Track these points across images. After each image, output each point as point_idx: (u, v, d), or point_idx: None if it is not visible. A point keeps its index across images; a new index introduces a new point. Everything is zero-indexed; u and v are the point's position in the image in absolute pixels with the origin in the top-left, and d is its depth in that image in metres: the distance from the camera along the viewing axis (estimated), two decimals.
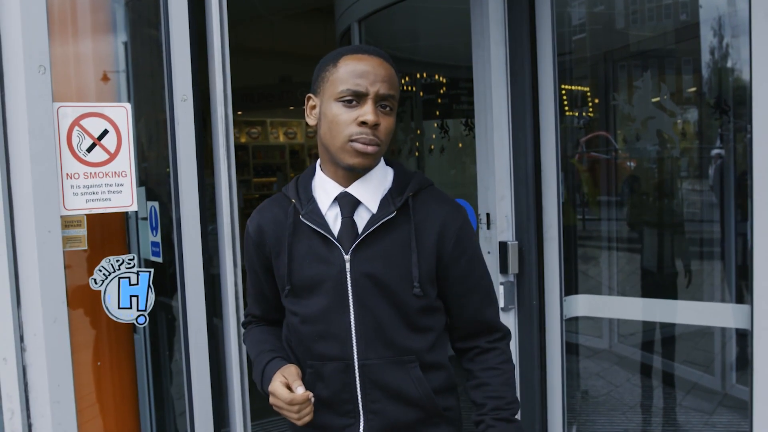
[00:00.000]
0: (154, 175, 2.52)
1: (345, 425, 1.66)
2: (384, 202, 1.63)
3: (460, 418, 1.77)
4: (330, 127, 1.59)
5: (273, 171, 12.33)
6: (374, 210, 1.63)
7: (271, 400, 1.60)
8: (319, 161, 1.72)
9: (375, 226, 1.60)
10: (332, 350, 1.63)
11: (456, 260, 1.66)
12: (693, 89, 3.93)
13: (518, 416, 1.73)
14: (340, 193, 1.64)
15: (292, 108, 11.57)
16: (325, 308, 1.62)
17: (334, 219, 1.64)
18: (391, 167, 1.72)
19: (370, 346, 1.61)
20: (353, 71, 1.56)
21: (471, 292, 1.70)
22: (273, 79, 10.68)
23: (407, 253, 1.61)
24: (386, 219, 1.60)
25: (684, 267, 3.89)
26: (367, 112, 1.54)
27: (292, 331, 1.71)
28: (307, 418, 1.57)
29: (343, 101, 1.56)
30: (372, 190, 1.64)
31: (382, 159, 1.71)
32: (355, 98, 1.56)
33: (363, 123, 1.54)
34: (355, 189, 1.64)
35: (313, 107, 1.65)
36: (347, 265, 1.60)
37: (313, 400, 1.60)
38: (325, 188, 1.67)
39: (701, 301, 4.00)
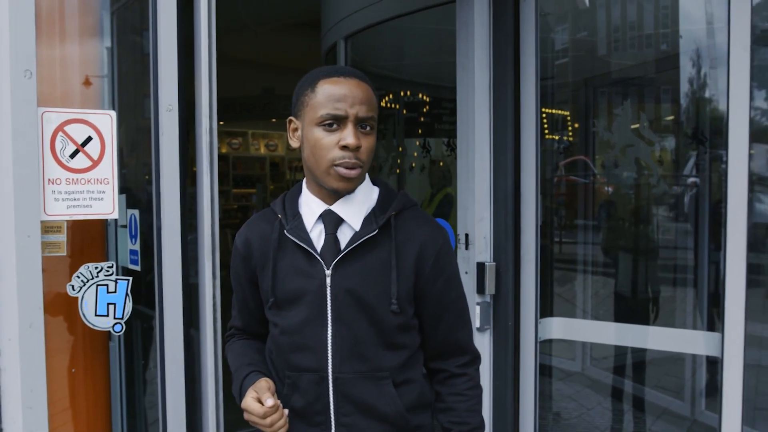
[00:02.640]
0: (133, 182, 2.52)
1: None
2: (367, 221, 1.67)
3: None
4: (313, 151, 1.62)
5: (253, 182, 12.30)
6: (357, 228, 1.66)
7: (245, 415, 1.61)
8: (305, 180, 1.75)
9: (356, 243, 1.63)
10: (308, 362, 1.66)
11: (433, 280, 1.69)
12: (671, 118, 3.99)
13: None
14: (325, 211, 1.68)
15: (274, 120, 11.57)
16: (304, 321, 1.66)
17: (318, 235, 1.68)
18: (377, 186, 1.75)
19: (345, 360, 1.64)
20: (331, 95, 1.59)
21: (445, 313, 1.72)
22: (256, 90, 10.67)
23: (387, 270, 1.65)
24: (368, 237, 1.63)
25: (653, 296, 3.94)
26: (348, 135, 1.58)
27: (273, 342, 1.75)
28: (282, 431, 1.59)
29: (324, 125, 1.59)
30: (356, 208, 1.68)
31: (367, 177, 1.74)
32: (336, 122, 1.59)
33: (345, 147, 1.58)
34: (339, 207, 1.68)
35: (295, 130, 1.68)
36: (328, 280, 1.63)
37: (286, 412, 1.63)
38: (310, 206, 1.70)
39: (673, 327, 4.04)
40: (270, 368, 1.77)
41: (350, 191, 1.65)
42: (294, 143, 1.69)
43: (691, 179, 3.78)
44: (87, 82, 2.32)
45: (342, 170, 1.59)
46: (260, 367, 1.73)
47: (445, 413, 1.74)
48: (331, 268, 1.63)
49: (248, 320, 1.85)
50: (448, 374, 1.76)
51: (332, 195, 1.67)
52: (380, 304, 1.64)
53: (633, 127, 3.81)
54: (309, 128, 1.62)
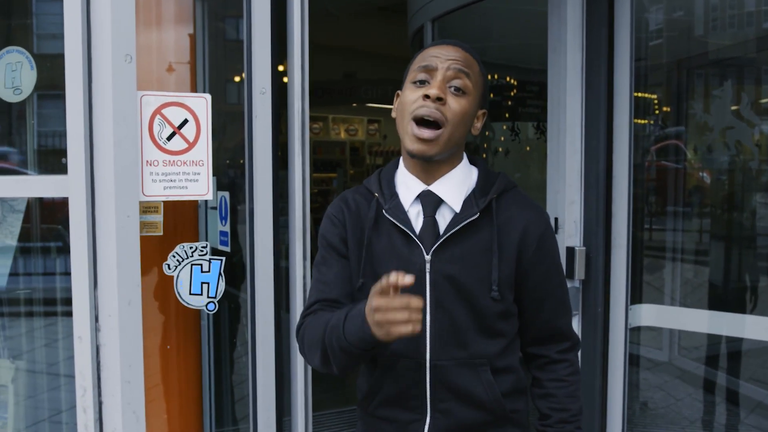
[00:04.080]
0: (222, 165, 2.57)
1: (411, 420, 1.65)
2: (467, 203, 1.61)
3: (526, 421, 1.75)
4: (400, 110, 1.61)
5: (333, 167, 12.40)
6: (457, 210, 1.61)
7: (378, 316, 1.35)
8: (402, 156, 1.71)
9: (457, 228, 1.58)
10: (405, 349, 1.60)
11: (535, 266, 1.64)
12: None
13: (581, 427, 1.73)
14: (423, 191, 1.63)
15: (354, 105, 11.61)
16: None
17: (416, 216, 1.63)
18: (476, 166, 1.70)
19: (444, 347, 1.60)
20: (427, 54, 1.59)
21: (546, 299, 1.68)
22: (337, 74, 10.74)
23: (488, 255, 1.59)
24: (469, 220, 1.58)
25: (750, 285, 3.79)
26: (432, 86, 1.55)
27: None
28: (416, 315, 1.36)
29: (416, 82, 1.58)
30: (455, 189, 1.63)
31: (465, 157, 1.69)
32: (427, 76, 1.57)
33: (426, 96, 1.54)
34: (438, 187, 1.63)
35: (398, 98, 1.66)
36: (427, 266, 1.58)
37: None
38: (407, 184, 1.65)
39: None
40: None
41: (428, 158, 1.58)
42: (393, 113, 1.67)
43: None
44: (177, 68, 2.37)
45: (415, 127, 1.54)
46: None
47: (545, 399, 1.70)
48: (431, 254, 1.58)
49: (346, 290, 1.68)
50: (548, 360, 1.71)
51: (430, 173, 1.63)
52: (480, 291, 1.59)
53: (733, 108, 3.67)
54: (404, 91, 1.61)
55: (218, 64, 2.63)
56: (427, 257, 1.58)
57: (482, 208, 1.59)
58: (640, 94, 3.81)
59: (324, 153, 12.46)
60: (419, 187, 1.64)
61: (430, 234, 1.60)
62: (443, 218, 1.62)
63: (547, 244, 1.66)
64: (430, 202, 1.62)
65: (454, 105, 1.56)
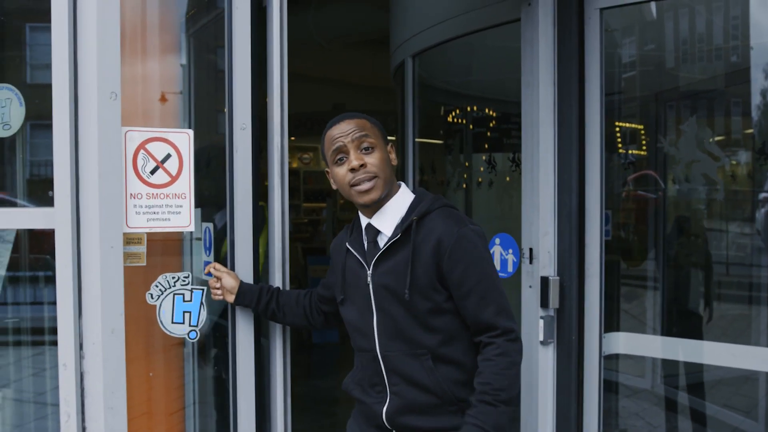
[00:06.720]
0: (208, 196, 2.63)
1: (377, 401, 2.10)
2: (397, 228, 2.04)
3: None
4: (338, 185, 2.09)
5: (323, 197, 12.45)
6: (389, 234, 2.05)
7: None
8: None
9: (384, 248, 2.03)
10: (365, 344, 2.11)
11: (451, 270, 1.97)
12: (747, 131, 3.91)
13: (506, 406, 1.91)
14: (366, 224, 2.11)
15: None
16: (358, 311, 2.11)
17: (368, 243, 2.11)
18: (415, 194, 2.11)
19: (389, 340, 2.04)
20: (331, 137, 2.06)
21: (468, 296, 1.98)
22: (326, 106, 10.83)
23: (407, 266, 1.98)
24: (392, 241, 2.01)
25: (724, 313, 3.85)
26: (351, 159, 2.02)
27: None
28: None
29: (336, 162, 2.05)
30: (387, 219, 2.08)
31: (403, 189, 2.13)
32: (342, 154, 2.03)
33: (352, 169, 2.01)
34: (375, 220, 2.09)
35: (330, 175, 2.14)
36: (369, 279, 2.06)
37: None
38: (361, 220, 2.15)
39: (746, 345, 3.94)
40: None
41: (376, 201, 2.03)
42: (333, 186, 2.13)
43: (764, 194, 3.70)
44: (165, 99, 2.44)
45: (357, 187, 2.02)
46: (267, 289, 2.31)
47: (477, 376, 1.96)
48: (371, 269, 2.05)
49: (321, 294, 2.34)
50: (482, 344, 2.00)
51: (369, 210, 2.08)
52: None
53: (710, 140, 3.75)
54: (331, 170, 2.10)
55: (204, 97, 2.69)
56: (369, 272, 2.07)
57: (403, 230, 2.01)
58: (618, 125, 3.91)
59: (314, 183, 12.54)
60: (365, 221, 2.13)
61: (372, 255, 2.08)
62: (383, 242, 2.07)
63: (459, 252, 1.97)
64: (371, 230, 2.11)
65: (372, 159, 2.03)
